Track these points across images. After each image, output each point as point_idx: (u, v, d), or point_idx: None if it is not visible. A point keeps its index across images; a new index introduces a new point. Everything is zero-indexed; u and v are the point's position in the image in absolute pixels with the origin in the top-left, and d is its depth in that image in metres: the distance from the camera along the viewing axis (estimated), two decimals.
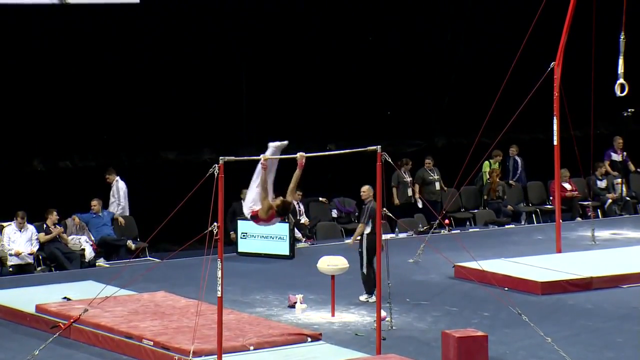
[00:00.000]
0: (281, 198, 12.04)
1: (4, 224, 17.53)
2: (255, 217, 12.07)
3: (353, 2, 21.35)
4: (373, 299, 14.18)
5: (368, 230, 14.62)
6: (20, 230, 17.03)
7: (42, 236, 17.31)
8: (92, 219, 18.20)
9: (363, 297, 14.69)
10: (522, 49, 16.57)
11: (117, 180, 18.67)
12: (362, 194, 14.99)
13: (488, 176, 21.28)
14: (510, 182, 21.51)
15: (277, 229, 17.43)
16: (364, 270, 14.65)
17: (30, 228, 17.13)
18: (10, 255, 16.87)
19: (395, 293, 13.70)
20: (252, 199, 12.08)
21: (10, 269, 16.84)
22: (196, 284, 12.44)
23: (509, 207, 21.08)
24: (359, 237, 14.77)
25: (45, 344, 12.21)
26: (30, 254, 17.04)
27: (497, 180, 21.10)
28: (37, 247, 17.13)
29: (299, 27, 20.75)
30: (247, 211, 12.20)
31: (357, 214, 20.48)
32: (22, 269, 16.90)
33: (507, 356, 12.20)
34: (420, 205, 20.19)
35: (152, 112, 19.98)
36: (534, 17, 16.53)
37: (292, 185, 12.10)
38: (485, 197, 21.11)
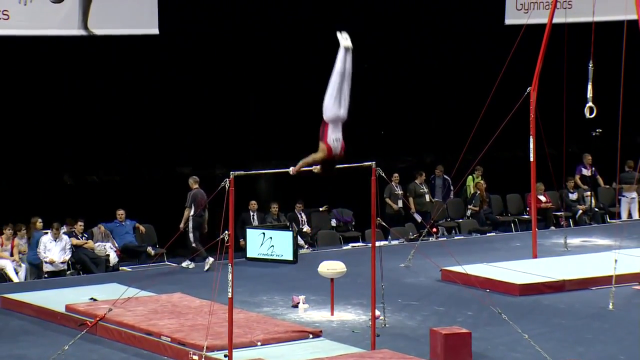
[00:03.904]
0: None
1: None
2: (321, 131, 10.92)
3: (350, 33, 21.37)
4: (192, 265, 16.74)
5: (192, 212, 16.74)
6: (55, 240, 16.97)
7: (74, 240, 17.35)
8: (115, 227, 18.19)
9: (207, 265, 16.57)
10: (501, 75, 16.60)
11: None
12: (189, 184, 17.01)
13: (472, 190, 21.29)
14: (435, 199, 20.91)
15: (282, 237, 17.44)
16: (194, 245, 16.65)
17: (65, 238, 17.06)
18: (45, 262, 16.83)
19: (388, 294, 13.69)
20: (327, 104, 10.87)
21: (46, 275, 16.80)
22: (209, 286, 12.44)
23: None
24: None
25: (74, 340, 12.21)
26: (62, 262, 16.98)
27: (485, 192, 21.12)
28: (70, 255, 17.08)
29: (302, 53, 20.79)
30: (324, 113, 10.85)
31: (354, 223, 20.51)
32: (55, 275, 16.84)
33: (488, 351, 12.19)
34: (419, 219, 20.11)
35: (170, 131, 20.02)
36: (512, 47, 16.58)
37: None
38: (477, 208, 21.08)
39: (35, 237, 17.10)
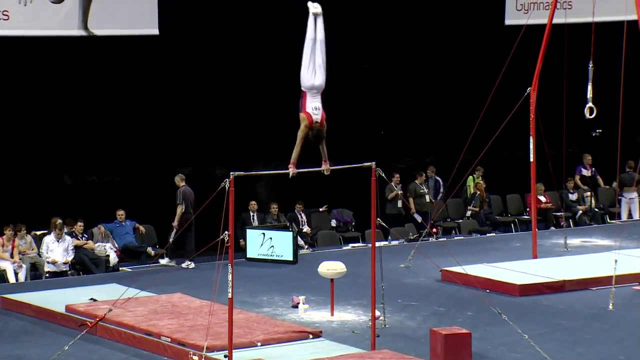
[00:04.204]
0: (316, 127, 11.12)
1: (38, 232, 17.52)
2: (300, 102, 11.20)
3: (350, 34, 21.39)
4: (172, 262, 16.94)
5: (183, 209, 16.97)
6: (58, 241, 16.95)
7: (74, 241, 17.36)
8: (115, 227, 18.19)
9: (186, 264, 16.85)
10: (501, 75, 16.60)
11: None
12: (175, 183, 17.29)
13: (472, 190, 21.27)
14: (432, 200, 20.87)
15: (282, 237, 17.42)
16: (171, 240, 16.93)
17: (68, 239, 17.05)
18: (47, 262, 16.81)
19: (388, 295, 13.68)
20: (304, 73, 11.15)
21: (47, 275, 16.78)
22: (209, 286, 12.43)
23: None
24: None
25: (74, 340, 12.21)
26: (65, 263, 16.96)
27: (485, 192, 21.11)
28: (72, 256, 17.05)
29: (299, 55, 20.77)
30: (302, 83, 11.19)
31: (353, 223, 20.49)
32: (56, 276, 16.82)
33: (488, 352, 12.19)
34: (419, 219, 20.05)
35: (170, 132, 20.01)
36: (512, 47, 16.58)
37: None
38: (477, 208, 21.06)
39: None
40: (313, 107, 11.25)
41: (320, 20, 11.19)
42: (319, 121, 11.25)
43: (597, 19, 16.97)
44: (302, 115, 11.22)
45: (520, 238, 19.34)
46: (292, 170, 11.28)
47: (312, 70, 11.16)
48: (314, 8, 11.22)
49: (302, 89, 11.26)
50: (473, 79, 21.68)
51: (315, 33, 11.16)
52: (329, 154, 11.75)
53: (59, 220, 17.20)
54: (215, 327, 12.07)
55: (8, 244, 16.80)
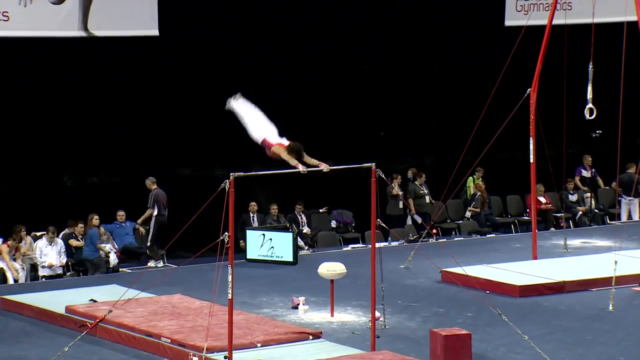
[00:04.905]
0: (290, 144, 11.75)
1: (37, 233, 17.52)
2: (266, 147, 11.87)
3: (350, 35, 21.39)
4: (160, 264, 17.15)
5: (155, 212, 17.61)
6: (50, 244, 16.95)
7: (74, 242, 17.36)
8: (116, 229, 18.19)
9: (152, 263, 17.04)
10: (501, 76, 16.61)
11: None
12: (147, 186, 17.81)
13: (472, 190, 21.25)
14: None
15: (282, 238, 17.42)
16: (149, 243, 17.43)
17: (60, 242, 17.08)
18: (43, 267, 16.80)
19: (388, 295, 13.68)
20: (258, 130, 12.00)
21: (43, 279, 16.77)
22: (209, 287, 12.44)
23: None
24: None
25: (74, 341, 12.22)
26: (60, 266, 16.98)
27: (485, 193, 21.10)
28: (65, 259, 17.07)
29: (299, 56, 20.79)
30: (257, 138, 11.99)
31: (353, 224, 20.48)
32: (52, 279, 16.82)
33: (488, 353, 12.19)
34: (419, 220, 20.02)
35: (170, 132, 20.01)
36: (512, 48, 16.58)
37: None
38: (478, 209, 21.04)
39: (89, 234, 17.35)
40: (279, 138, 11.88)
41: (239, 97, 12.30)
42: (288, 142, 11.75)
43: (597, 20, 16.98)
44: (274, 147, 11.74)
45: (520, 239, 19.33)
46: (301, 168, 11.44)
47: (260, 125, 11.98)
48: (233, 101, 12.32)
49: (261, 141, 11.91)
50: (473, 79, 21.67)
51: (243, 110, 12.21)
52: (328, 154, 11.83)
53: (96, 217, 17.33)
54: (215, 328, 12.07)
55: (12, 250, 16.78)
